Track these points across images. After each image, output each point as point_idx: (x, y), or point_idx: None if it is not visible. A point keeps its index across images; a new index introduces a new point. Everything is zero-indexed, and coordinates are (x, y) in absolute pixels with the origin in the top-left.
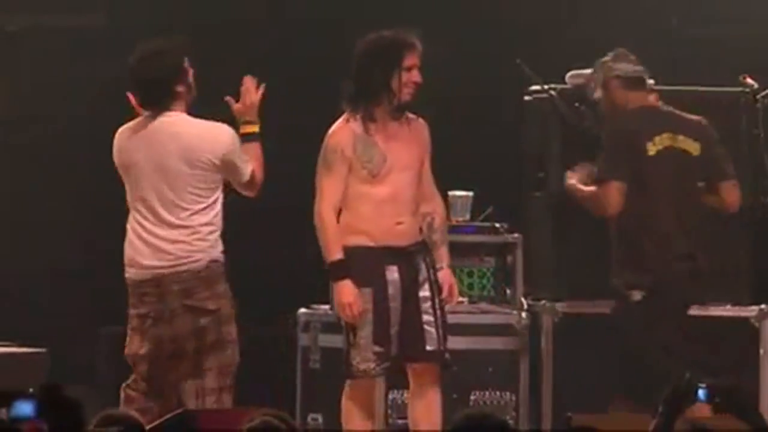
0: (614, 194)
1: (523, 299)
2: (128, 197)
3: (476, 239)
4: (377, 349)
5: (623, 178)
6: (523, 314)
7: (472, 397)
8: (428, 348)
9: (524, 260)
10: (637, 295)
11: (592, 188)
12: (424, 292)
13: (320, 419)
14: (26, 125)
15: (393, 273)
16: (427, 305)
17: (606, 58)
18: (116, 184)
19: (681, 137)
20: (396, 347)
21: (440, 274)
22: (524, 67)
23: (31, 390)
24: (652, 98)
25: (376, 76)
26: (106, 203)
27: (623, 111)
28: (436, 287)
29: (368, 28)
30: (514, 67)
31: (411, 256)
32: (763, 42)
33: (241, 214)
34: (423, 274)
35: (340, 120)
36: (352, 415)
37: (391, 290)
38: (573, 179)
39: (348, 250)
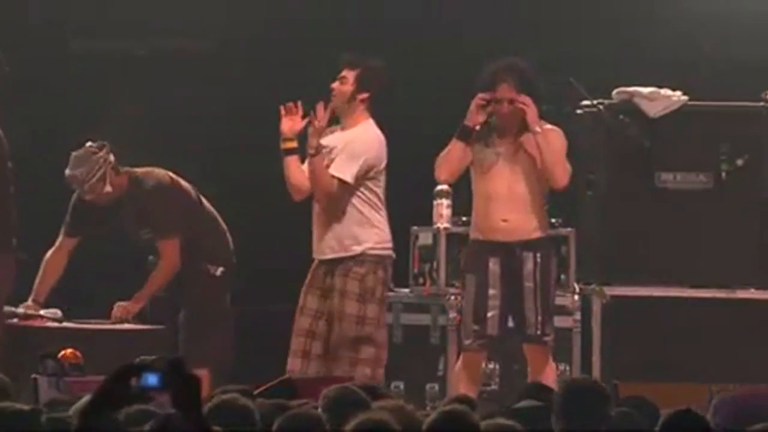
0: None
1: (575, 284)
2: (380, 192)
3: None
4: (475, 327)
5: None
6: (576, 297)
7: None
8: (528, 332)
9: (577, 250)
10: None
11: None
12: (529, 283)
13: (402, 386)
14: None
15: (495, 264)
16: (530, 295)
17: None
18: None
19: None
20: (496, 329)
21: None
22: (576, 85)
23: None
24: None
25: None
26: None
27: None
28: (541, 278)
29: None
30: (568, 85)
31: (515, 251)
32: None
33: None
34: (529, 267)
35: None
36: (459, 381)
37: (491, 279)
38: None
39: (469, 243)
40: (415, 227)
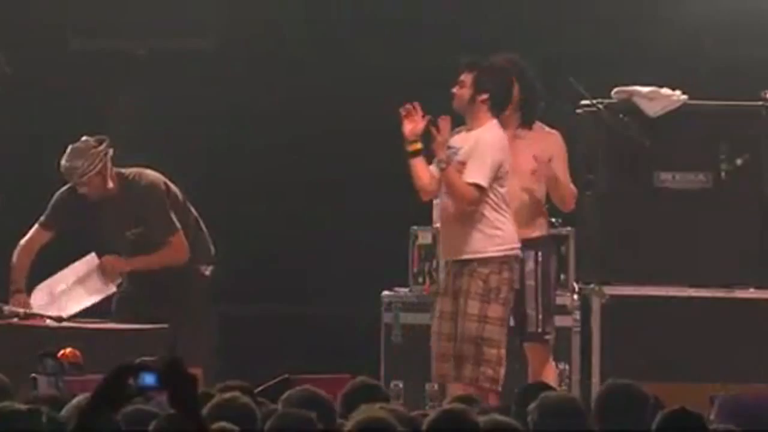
0: None
1: (575, 284)
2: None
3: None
4: None
5: None
6: (575, 296)
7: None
8: (529, 330)
9: (576, 250)
10: None
11: None
12: (530, 282)
13: (401, 385)
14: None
15: None
16: (531, 293)
17: None
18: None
19: None
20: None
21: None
22: (576, 85)
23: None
24: None
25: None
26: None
27: None
28: (542, 277)
29: None
30: (567, 84)
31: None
32: None
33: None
34: (530, 265)
35: None
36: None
37: None
38: None
39: None
40: (414, 227)
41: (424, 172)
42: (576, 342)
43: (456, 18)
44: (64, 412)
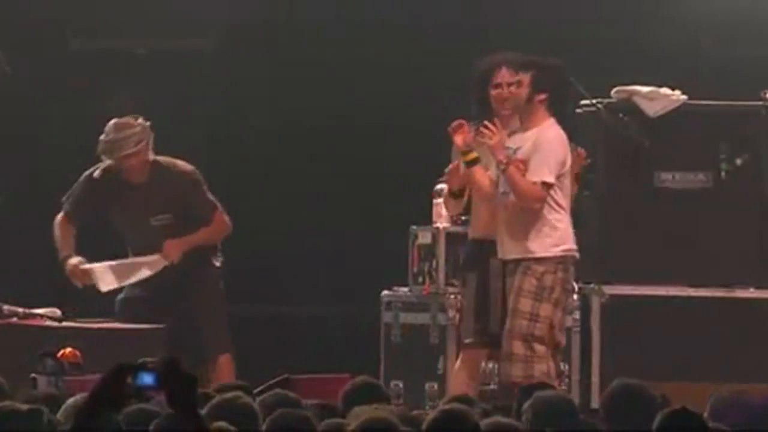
0: None
1: (575, 283)
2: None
3: None
4: (477, 325)
5: None
6: (575, 296)
7: None
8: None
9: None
10: None
11: None
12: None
13: (401, 385)
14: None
15: (496, 263)
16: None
17: None
18: None
19: None
20: (497, 326)
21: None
22: (576, 84)
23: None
24: None
25: (475, 96)
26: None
27: None
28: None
29: None
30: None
31: None
32: None
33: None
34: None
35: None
36: (458, 380)
37: (493, 277)
38: None
39: (468, 242)
40: (414, 226)
41: (484, 179)
42: (576, 342)
43: (456, 19)
44: (61, 411)
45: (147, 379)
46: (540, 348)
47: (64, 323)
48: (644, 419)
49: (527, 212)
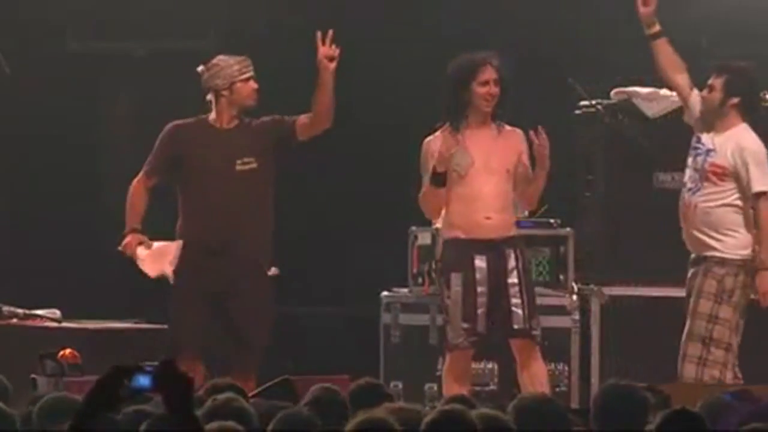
0: None
1: (574, 284)
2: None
3: (534, 232)
4: (465, 325)
5: None
6: (574, 297)
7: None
8: (515, 326)
9: (575, 250)
10: None
11: None
12: (512, 279)
13: (400, 386)
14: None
15: (481, 261)
16: (515, 290)
17: None
18: None
19: None
20: (484, 326)
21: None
22: (575, 85)
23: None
24: None
25: (456, 93)
26: None
27: None
28: (524, 274)
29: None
30: (566, 85)
31: (499, 247)
32: None
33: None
34: (512, 263)
35: (438, 131)
36: (449, 383)
37: (478, 276)
38: None
39: (445, 242)
40: (413, 227)
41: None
42: (575, 343)
43: (456, 19)
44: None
45: (143, 380)
46: (717, 352)
47: (64, 324)
48: (635, 419)
49: (715, 212)
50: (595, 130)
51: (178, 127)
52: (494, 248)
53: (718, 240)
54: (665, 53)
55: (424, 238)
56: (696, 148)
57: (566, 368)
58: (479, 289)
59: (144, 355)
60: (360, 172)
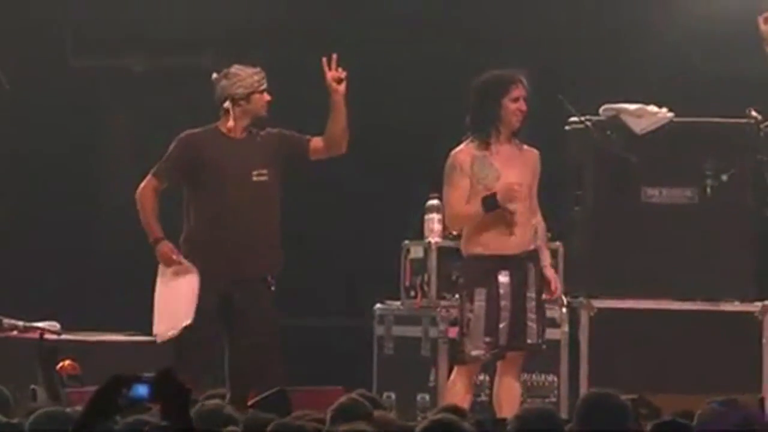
0: None
1: (563, 297)
2: None
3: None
4: (487, 339)
5: None
6: (564, 309)
7: (522, 377)
8: (529, 341)
9: (565, 264)
10: None
11: None
12: (530, 293)
13: (393, 396)
14: None
15: (505, 277)
16: (531, 305)
17: None
18: None
19: None
20: (504, 339)
21: (546, 272)
22: (565, 102)
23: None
24: None
25: (487, 107)
26: None
27: None
28: (537, 289)
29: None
30: (557, 102)
31: (522, 262)
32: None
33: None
34: (531, 278)
35: (463, 143)
36: (455, 392)
37: (502, 291)
38: None
39: (469, 258)
40: (406, 241)
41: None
42: (565, 354)
43: (447, 37)
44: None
45: (141, 390)
46: None
47: (63, 336)
48: (616, 427)
49: None
50: (584, 146)
51: (193, 135)
52: (517, 263)
53: None
54: None
55: (417, 252)
56: None
57: (556, 379)
58: (502, 303)
59: (142, 367)
60: (354, 186)
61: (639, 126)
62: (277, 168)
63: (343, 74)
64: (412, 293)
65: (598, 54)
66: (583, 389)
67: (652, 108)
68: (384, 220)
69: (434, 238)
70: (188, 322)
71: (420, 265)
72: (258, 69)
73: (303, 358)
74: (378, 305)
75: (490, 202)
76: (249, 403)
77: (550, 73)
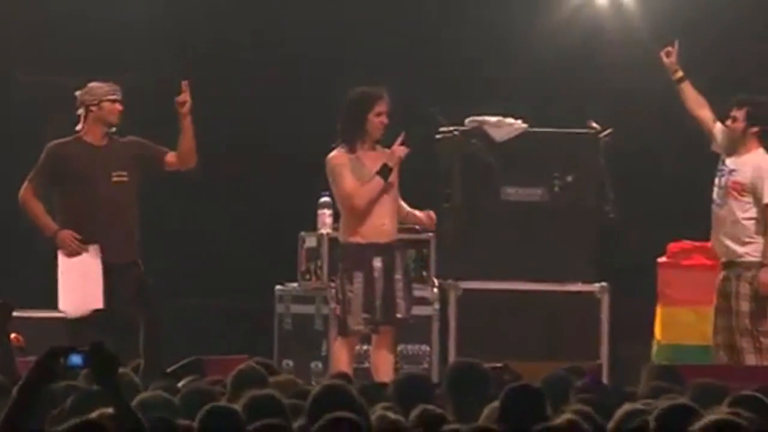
0: None
1: (435, 279)
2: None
3: (402, 236)
4: (365, 315)
5: None
6: (435, 290)
7: (399, 348)
8: (398, 315)
9: (436, 251)
10: None
11: None
12: (398, 275)
13: (291, 364)
14: None
15: (378, 262)
16: (399, 285)
17: None
18: None
19: None
20: (379, 315)
21: (418, 214)
22: (436, 113)
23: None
24: None
25: (355, 120)
26: None
27: None
28: (405, 272)
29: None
30: (429, 113)
31: (391, 249)
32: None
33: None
34: (398, 262)
35: (335, 149)
36: (341, 361)
37: (376, 274)
38: None
39: (347, 245)
40: (302, 232)
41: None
42: (435, 328)
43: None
44: None
45: (76, 359)
46: (765, 340)
47: (14, 314)
48: (479, 390)
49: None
50: (452, 151)
51: (59, 144)
52: (388, 250)
53: (743, 247)
54: (690, 94)
55: (311, 242)
56: (721, 170)
57: (428, 349)
58: (377, 285)
59: (85, 339)
60: (257, 185)
61: (498, 135)
62: (136, 171)
63: (184, 98)
64: (308, 276)
65: (466, 76)
66: (451, 357)
67: (509, 120)
68: (283, 214)
69: (326, 230)
70: (99, 305)
71: (314, 253)
72: (112, 83)
73: (215, 332)
74: (278, 287)
75: (384, 171)
76: (168, 370)
77: (422, 89)
